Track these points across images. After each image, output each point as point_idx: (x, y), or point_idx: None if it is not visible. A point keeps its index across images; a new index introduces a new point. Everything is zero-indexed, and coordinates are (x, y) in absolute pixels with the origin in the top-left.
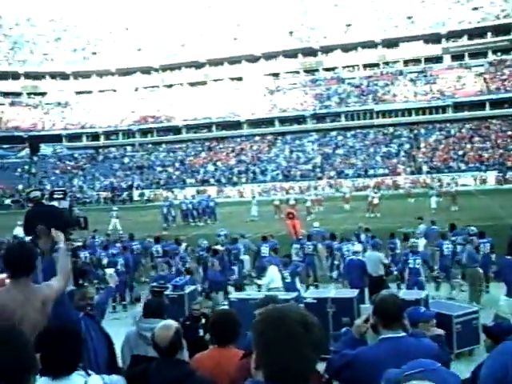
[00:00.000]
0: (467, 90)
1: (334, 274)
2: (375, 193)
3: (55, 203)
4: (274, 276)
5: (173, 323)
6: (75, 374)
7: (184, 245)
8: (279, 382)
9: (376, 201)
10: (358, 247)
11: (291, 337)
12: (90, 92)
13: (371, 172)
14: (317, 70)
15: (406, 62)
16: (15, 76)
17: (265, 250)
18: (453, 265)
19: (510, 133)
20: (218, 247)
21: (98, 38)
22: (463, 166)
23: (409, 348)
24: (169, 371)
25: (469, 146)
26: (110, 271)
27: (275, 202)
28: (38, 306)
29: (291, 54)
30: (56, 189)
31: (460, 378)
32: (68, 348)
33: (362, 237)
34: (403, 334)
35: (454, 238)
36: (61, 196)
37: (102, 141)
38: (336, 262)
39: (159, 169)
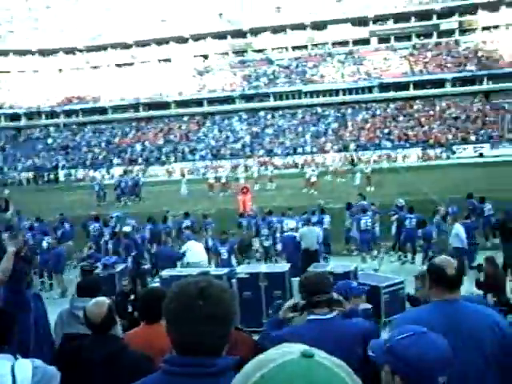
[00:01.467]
0: (393, 72)
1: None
2: (313, 171)
3: None
4: (193, 251)
5: (105, 299)
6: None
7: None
8: (185, 355)
9: (314, 178)
10: (293, 223)
11: (186, 310)
12: (8, 72)
13: (300, 150)
14: (246, 52)
15: (334, 44)
16: None
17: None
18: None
19: (431, 112)
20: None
21: (16, 17)
22: (388, 144)
23: (335, 329)
24: (102, 347)
25: (393, 124)
26: None
27: (210, 180)
28: None
29: (220, 36)
30: None
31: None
32: None
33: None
34: (330, 315)
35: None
36: None
37: (23, 122)
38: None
39: (85, 149)
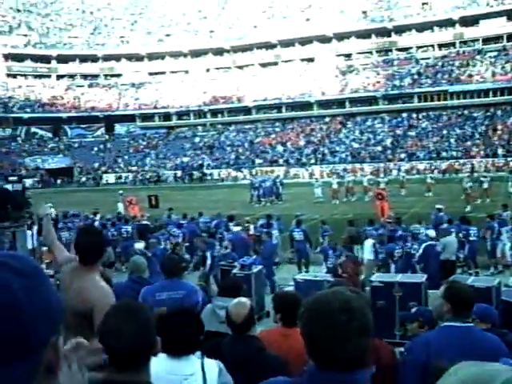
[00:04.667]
0: None
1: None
2: (484, 177)
3: (9, 186)
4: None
5: (246, 300)
6: (192, 355)
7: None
8: (326, 369)
9: (486, 185)
10: (433, 233)
11: (333, 327)
12: (163, 73)
13: (444, 154)
14: (390, 51)
15: (486, 41)
16: (94, 59)
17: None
18: None
19: None
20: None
21: (171, 21)
22: None
23: (474, 341)
24: (241, 346)
25: None
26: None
27: (333, 185)
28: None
29: (364, 35)
30: (12, 173)
31: None
32: (193, 329)
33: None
34: (471, 324)
35: None
36: (15, 179)
37: (173, 121)
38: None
39: (228, 149)
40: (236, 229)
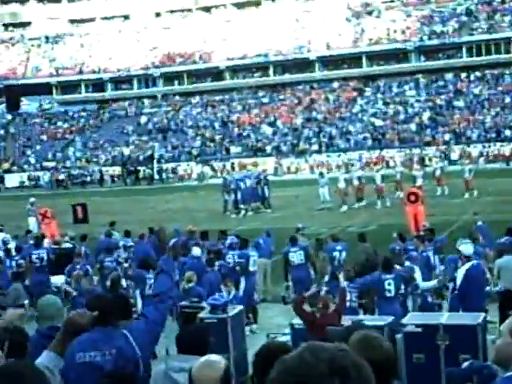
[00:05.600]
0: None
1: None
2: None
3: None
4: None
5: (219, 359)
6: None
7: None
8: None
9: None
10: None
11: None
12: (91, 20)
13: (508, 134)
14: None
15: None
16: None
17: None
18: None
19: None
20: None
21: None
22: None
23: None
24: None
25: None
26: None
27: (397, 176)
28: None
29: None
30: None
31: None
32: None
33: None
34: None
35: None
36: None
37: (108, 92)
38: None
39: (191, 132)
40: (196, 251)
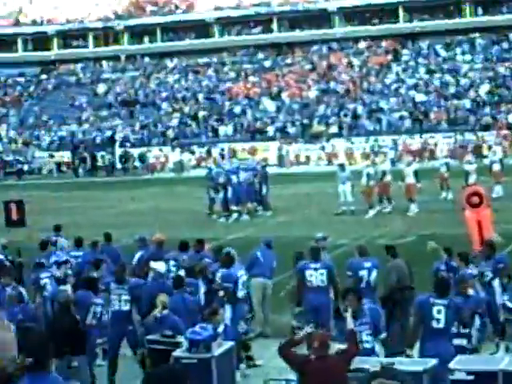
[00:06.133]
0: None
1: None
2: None
3: None
4: None
5: None
6: None
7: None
8: None
9: None
10: None
11: None
12: None
13: None
14: None
15: None
16: None
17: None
18: None
19: None
20: None
21: None
22: None
23: None
24: None
25: None
26: None
27: (441, 170)
28: None
29: None
30: None
31: None
32: None
33: None
34: None
35: None
36: None
37: (54, 50)
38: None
39: (166, 106)
40: (158, 266)
